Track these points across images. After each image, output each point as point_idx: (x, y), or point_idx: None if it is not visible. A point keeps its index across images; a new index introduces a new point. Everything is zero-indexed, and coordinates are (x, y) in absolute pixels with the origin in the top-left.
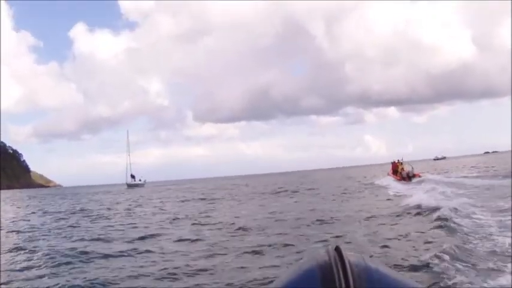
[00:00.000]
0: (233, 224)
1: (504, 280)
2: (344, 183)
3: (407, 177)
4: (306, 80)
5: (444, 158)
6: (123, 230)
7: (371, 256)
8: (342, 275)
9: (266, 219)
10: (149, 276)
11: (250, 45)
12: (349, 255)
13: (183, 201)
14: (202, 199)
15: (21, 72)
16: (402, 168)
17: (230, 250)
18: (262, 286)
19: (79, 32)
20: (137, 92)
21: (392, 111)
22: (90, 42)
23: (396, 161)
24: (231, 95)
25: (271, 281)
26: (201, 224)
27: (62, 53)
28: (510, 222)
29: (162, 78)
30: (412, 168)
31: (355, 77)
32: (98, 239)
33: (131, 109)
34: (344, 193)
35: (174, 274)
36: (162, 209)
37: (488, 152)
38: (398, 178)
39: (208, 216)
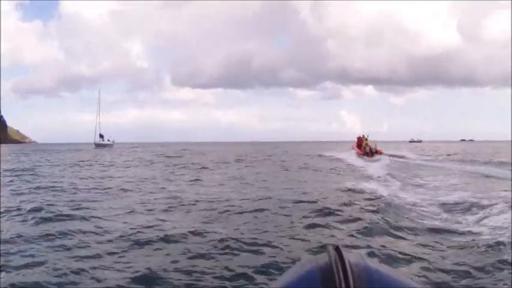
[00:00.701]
0: (177, 195)
1: None
2: (310, 157)
3: (370, 153)
4: (287, 52)
5: (420, 141)
6: (61, 192)
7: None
8: (342, 276)
9: (221, 190)
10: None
11: (234, 14)
12: (349, 256)
13: (146, 165)
14: (161, 162)
15: (5, 28)
16: (366, 144)
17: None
18: (262, 286)
19: None
20: (119, 53)
21: (370, 89)
22: (76, 2)
23: (362, 136)
24: (211, 62)
25: (271, 281)
26: (145, 193)
27: (47, 11)
28: None
29: (144, 41)
30: (376, 145)
31: (337, 53)
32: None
33: (111, 69)
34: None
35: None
36: (120, 171)
37: (464, 140)
38: (362, 152)
39: (160, 188)
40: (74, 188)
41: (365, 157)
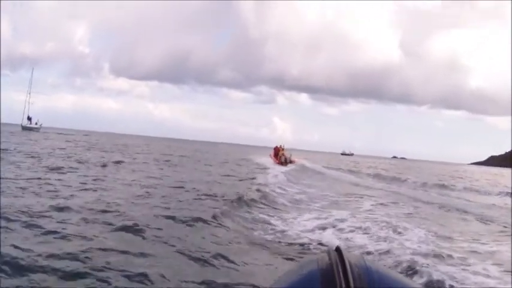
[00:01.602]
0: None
1: None
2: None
3: (285, 162)
4: (226, 52)
5: (352, 154)
6: None
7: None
8: (342, 277)
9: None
10: None
11: (178, 9)
12: (350, 256)
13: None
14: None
15: None
16: (282, 154)
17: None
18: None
19: None
20: (62, 36)
21: (304, 97)
22: None
23: (279, 146)
24: (150, 54)
25: (271, 282)
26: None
27: None
28: None
29: (88, 27)
30: (291, 155)
31: (275, 57)
32: None
33: (54, 52)
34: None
35: None
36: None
37: (396, 157)
38: (277, 161)
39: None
40: None
41: (281, 165)
